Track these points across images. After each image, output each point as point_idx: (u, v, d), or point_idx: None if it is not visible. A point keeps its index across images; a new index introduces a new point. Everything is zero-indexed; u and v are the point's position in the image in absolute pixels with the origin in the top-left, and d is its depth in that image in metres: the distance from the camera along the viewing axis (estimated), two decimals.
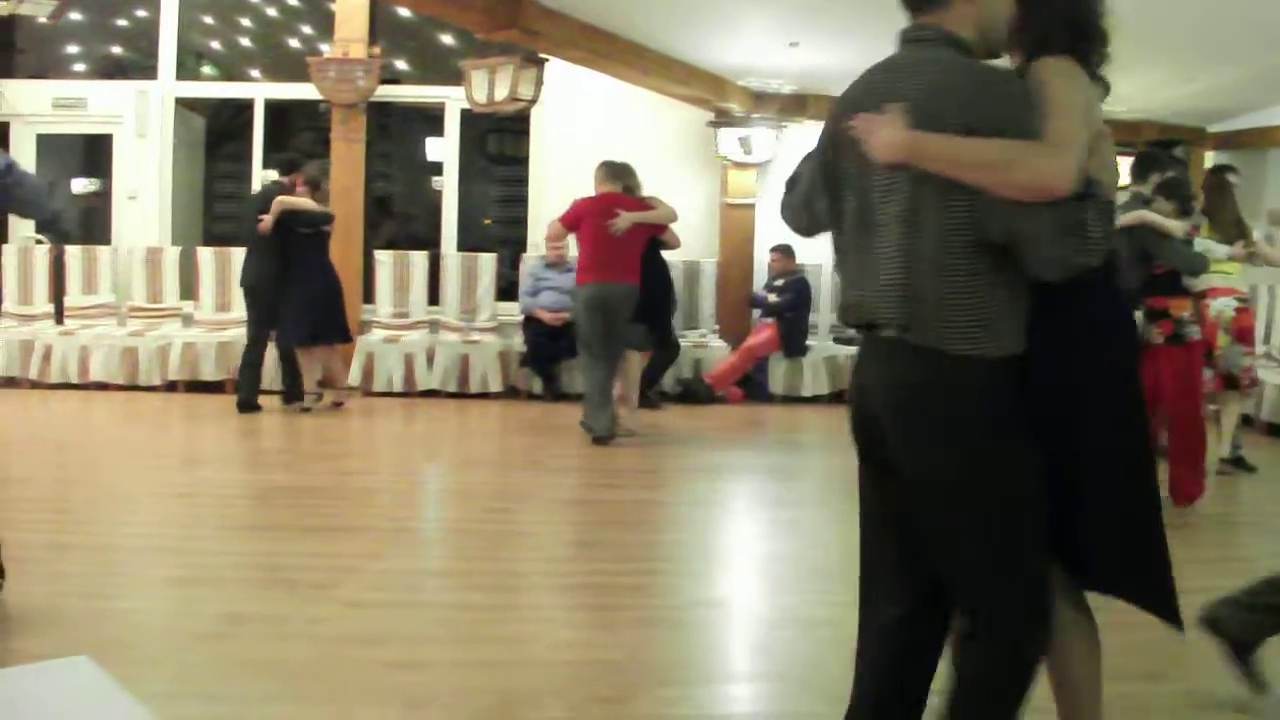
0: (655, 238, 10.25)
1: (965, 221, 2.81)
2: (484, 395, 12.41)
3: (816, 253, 12.97)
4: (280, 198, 10.86)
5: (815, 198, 3.28)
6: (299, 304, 10.93)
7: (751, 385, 12.77)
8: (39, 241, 13.23)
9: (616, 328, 9.66)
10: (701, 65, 12.04)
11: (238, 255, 11.93)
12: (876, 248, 2.94)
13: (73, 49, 14.61)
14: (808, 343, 12.84)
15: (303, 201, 10.96)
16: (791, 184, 3.48)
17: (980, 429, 2.90)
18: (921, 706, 3.18)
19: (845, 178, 3.07)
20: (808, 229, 3.44)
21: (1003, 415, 2.91)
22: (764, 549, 6.87)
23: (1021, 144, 2.76)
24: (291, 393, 11.20)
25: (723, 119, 13.08)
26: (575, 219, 9.88)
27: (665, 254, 11.01)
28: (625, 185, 9.97)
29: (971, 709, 3.02)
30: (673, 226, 10.33)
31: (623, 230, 9.55)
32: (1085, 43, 3.05)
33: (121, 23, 14.69)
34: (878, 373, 3.01)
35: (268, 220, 10.75)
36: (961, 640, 3.05)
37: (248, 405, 10.95)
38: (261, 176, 13.15)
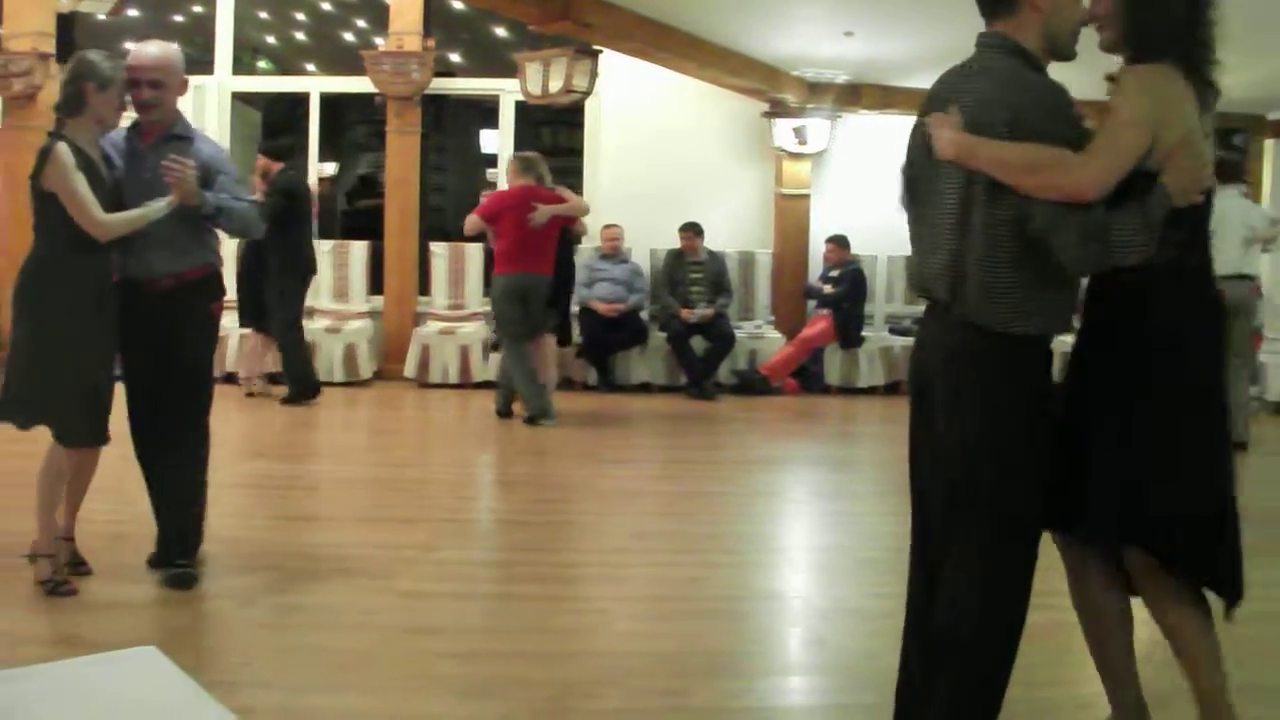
0: (565, 227, 10.46)
1: (1009, 218, 3.14)
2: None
3: (872, 243, 12.95)
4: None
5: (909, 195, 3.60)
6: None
7: (807, 376, 12.71)
8: None
9: (534, 314, 10.02)
10: (756, 56, 11.99)
11: None
12: (935, 230, 3.32)
13: (130, 45, 14.68)
14: (863, 333, 12.77)
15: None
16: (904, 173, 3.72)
17: (1008, 400, 3.26)
18: None
19: (915, 170, 3.45)
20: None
21: (1030, 391, 3.30)
22: (820, 540, 6.87)
23: (1058, 151, 3.07)
24: (304, 378, 11.12)
25: (777, 110, 13.03)
26: (494, 212, 10.19)
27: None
28: (537, 177, 10.11)
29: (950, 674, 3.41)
30: (583, 218, 10.77)
31: (542, 223, 9.82)
32: (1191, 49, 3.23)
33: (178, 18, 14.79)
34: (933, 335, 3.46)
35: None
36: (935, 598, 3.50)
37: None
38: (315, 169, 13.23)
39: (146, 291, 5.28)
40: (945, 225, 3.27)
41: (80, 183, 4.97)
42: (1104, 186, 3.06)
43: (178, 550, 5.39)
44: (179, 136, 5.40)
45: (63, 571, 5.22)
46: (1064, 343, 3.42)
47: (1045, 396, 3.34)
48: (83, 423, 5.19)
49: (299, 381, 10.88)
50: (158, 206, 5.11)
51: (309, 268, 11.00)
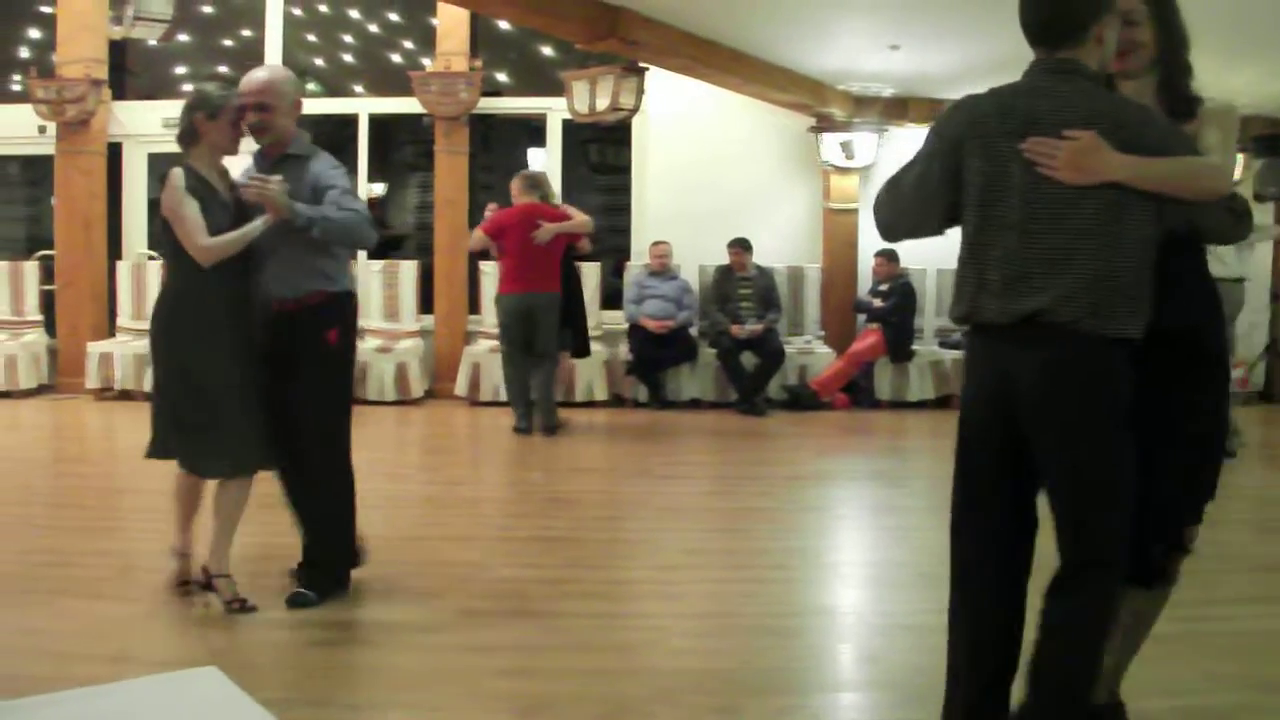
0: (570, 244, 10.49)
1: (1154, 226, 3.32)
2: (590, 403, 12.45)
3: (921, 257, 12.90)
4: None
5: (929, 208, 3.63)
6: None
7: (857, 391, 12.70)
8: (152, 257, 13.48)
9: (542, 333, 10.09)
10: (802, 71, 12.00)
11: None
12: (1056, 255, 3.31)
13: (181, 69, 14.85)
14: (913, 347, 12.74)
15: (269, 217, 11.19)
16: (895, 185, 3.72)
17: (1122, 403, 3.33)
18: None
19: (1000, 190, 3.40)
20: (908, 232, 3.81)
21: (1129, 391, 3.36)
22: (872, 556, 6.85)
23: (1198, 160, 3.35)
24: None
25: (824, 124, 13.03)
26: (498, 228, 10.28)
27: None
28: (542, 195, 10.15)
29: (1064, 657, 3.42)
30: (587, 235, 10.81)
31: (546, 241, 9.85)
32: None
33: (228, 42, 14.91)
34: (1034, 357, 3.33)
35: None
36: (1055, 592, 3.44)
37: None
38: (365, 190, 13.34)
39: (272, 316, 5.41)
40: (1082, 243, 3.29)
41: (189, 206, 5.12)
42: (1233, 177, 3.54)
43: (305, 577, 5.51)
44: (294, 156, 5.48)
45: (232, 591, 5.32)
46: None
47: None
48: (233, 449, 5.29)
49: None
50: (255, 225, 5.22)
51: None
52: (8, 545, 6.55)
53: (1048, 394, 3.33)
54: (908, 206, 3.67)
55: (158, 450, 5.43)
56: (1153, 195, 3.27)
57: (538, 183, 10.33)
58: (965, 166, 3.47)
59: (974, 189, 3.45)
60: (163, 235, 5.29)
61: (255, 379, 5.30)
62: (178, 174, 5.19)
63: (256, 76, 5.42)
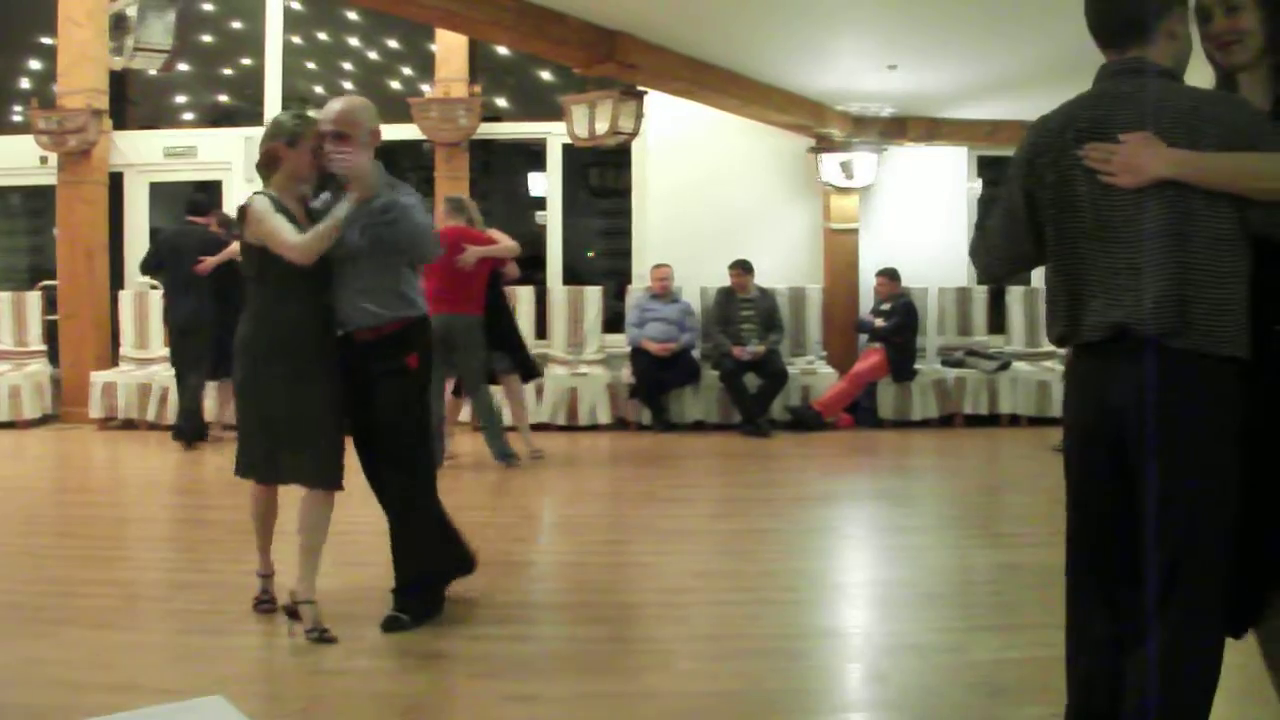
0: (496, 269, 10.40)
1: (1231, 227, 3.12)
2: (593, 427, 12.46)
3: (922, 275, 12.95)
4: (235, 245, 11.23)
5: (1018, 234, 3.51)
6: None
7: (860, 411, 12.70)
8: (153, 286, 13.49)
9: (461, 356, 9.93)
10: (800, 92, 12.04)
11: None
12: (1133, 262, 3.17)
13: (181, 99, 14.90)
14: (916, 366, 12.75)
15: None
16: (982, 226, 3.70)
17: (1229, 426, 3.13)
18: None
19: (1074, 202, 3.30)
20: (1006, 268, 3.71)
21: (1237, 413, 3.15)
22: (879, 576, 6.83)
23: (1270, 156, 3.09)
24: (197, 431, 11.59)
25: (823, 144, 13.07)
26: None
27: None
28: (468, 218, 10.13)
29: (1176, 697, 3.12)
30: (513, 259, 10.65)
31: (471, 264, 9.75)
32: None
33: (227, 72, 14.97)
34: (1129, 375, 3.17)
35: (211, 263, 11.23)
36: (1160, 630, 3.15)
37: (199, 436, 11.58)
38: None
39: (352, 344, 5.48)
40: (1153, 251, 3.13)
41: (276, 218, 5.25)
42: None
43: (398, 600, 5.55)
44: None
45: (314, 619, 5.32)
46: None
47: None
48: (321, 465, 5.36)
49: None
50: (342, 207, 5.28)
51: None
52: (13, 575, 6.55)
53: (1144, 416, 3.16)
54: (997, 241, 3.61)
55: (263, 473, 5.49)
56: (1227, 194, 3.10)
57: (463, 206, 10.30)
58: (1038, 185, 3.39)
59: (1048, 206, 3.37)
60: (249, 263, 5.41)
61: (336, 399, 5.42)
62: (260, 200, 5.28)
63: (333, 107, 5.46)
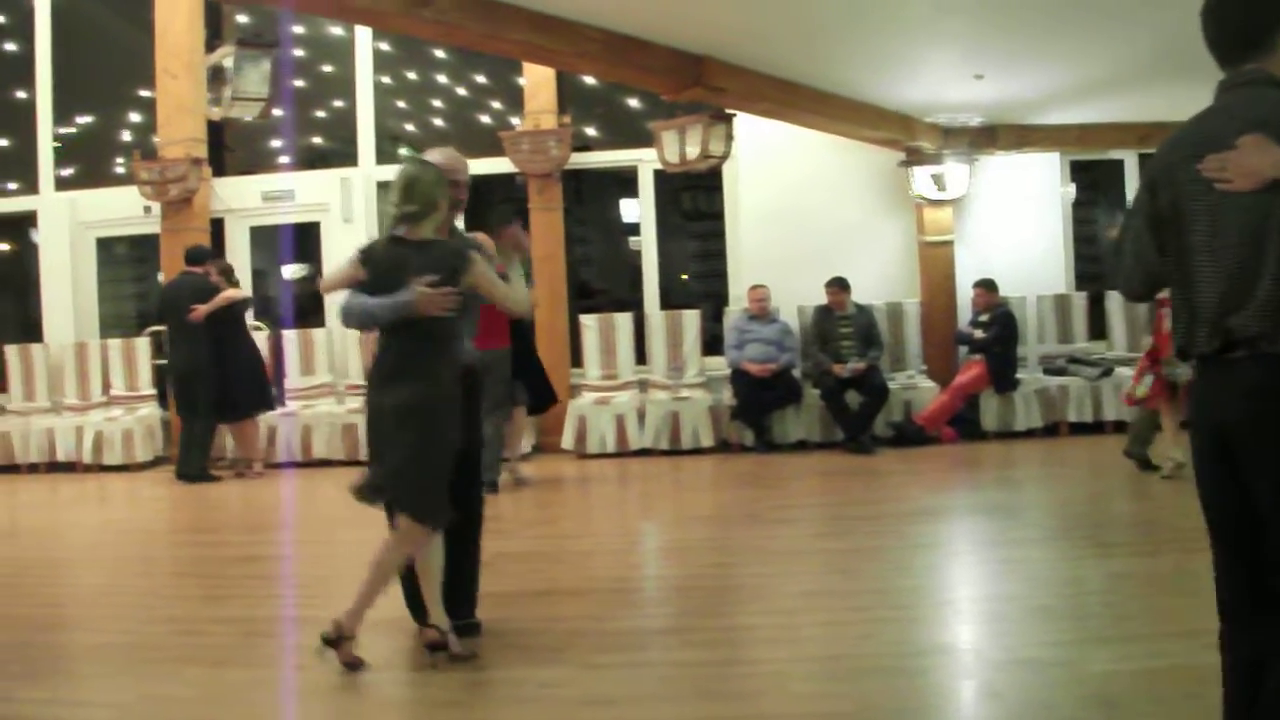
0: None
1: None
2: (696, 451, 12.49)
3: (1020, 284, 12.87)
4: (227, 292, 12.06)
5: (1148, 254, 3.54)
6: (234, 381, 12.02)
7: (963, 423, 12.63)
8: (257, 328, 13.74)
9: (489, 387, 9.89)
10: (888, 106, 12.02)
11: None
12: (1245, 266, 3.20)
13: (276, 143, 15.14)
14: (1017, 376, 12.67)
15: (239, 292, 12.32)
16: (1118, 251, 3.70)
17: None
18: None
19: (1189, 217, 3.35)
20: (1144, 288, 3.70)
21: None
22: (989, 590, 6.79)
23: None
24: (200, 468, 12.03)
25: (914, 157, 13.03)
26: None
27: None
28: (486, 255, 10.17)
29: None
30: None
31: None
32: None
33: (321, 114, 15.20)
34: (1240, 385, 3.22)
35: (203, 310, 11.73)
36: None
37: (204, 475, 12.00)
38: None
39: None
40: (1267, 250, 3.16)
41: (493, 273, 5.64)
42: None
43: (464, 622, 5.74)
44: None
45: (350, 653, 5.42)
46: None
47: None
48: (439, 503, 5.46)
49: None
50: (518, 267, 5.86)
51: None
52: (132, 615, 6.72)
53: (1253, 428, 3.20)
54: (1130, 263, 3.63)
55: (403, 500, 5.50)
56: None
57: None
58: (1161, 204, 3.45)
59: (1170, 223, 3.42)
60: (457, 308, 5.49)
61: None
62: (475, 254, 5.51)
63: (451, 155, 5.85)
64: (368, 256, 5.51)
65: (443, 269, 5.37)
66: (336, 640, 5.35)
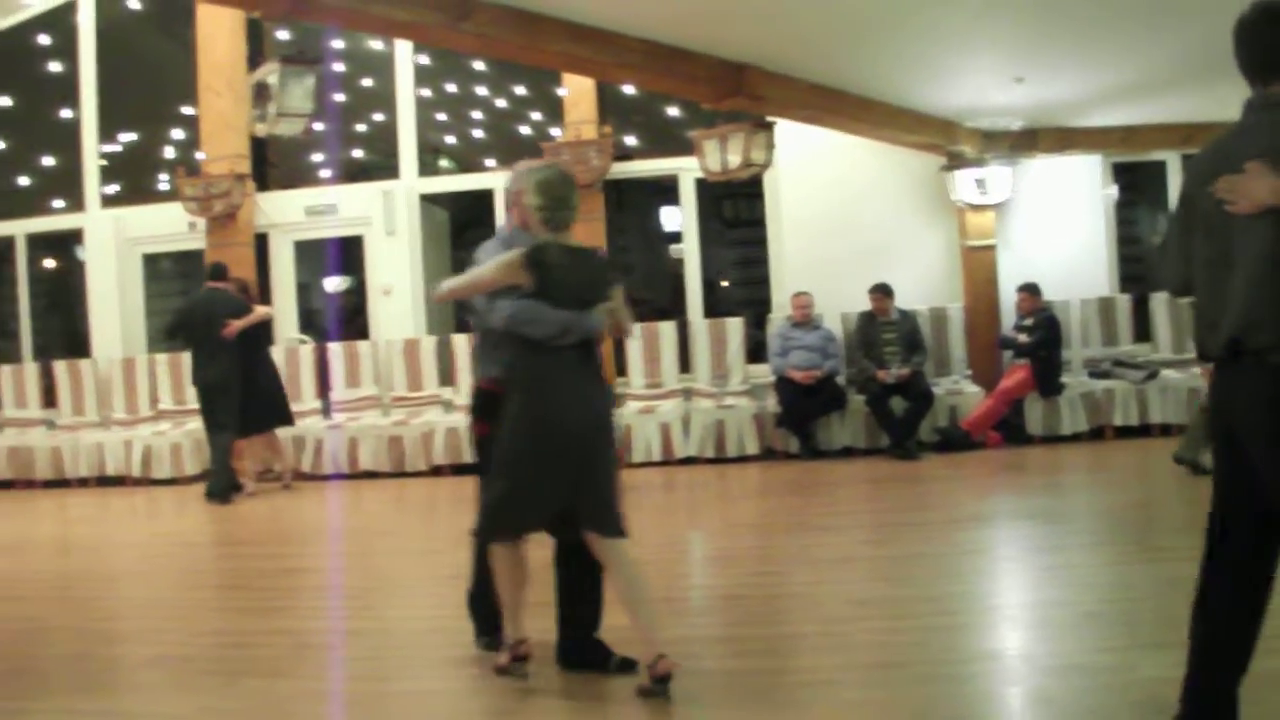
0: None
1: None
2: (741, 458, 12.50)
3: (1064, 287, 12.82)
4: (260, 309, 12.24)
5: (1182, 259, 3.87)
6: (259, 395, 12.08)
7: (1009, 428, 12.58)
8: (303, 341, 13.84)
9: None
10: (929, 111, 12.01)
11: None
12: (1248, 281, 3.49)
13: (318, 157, 15.23)
14: (1062, 380, 12.62)
15: (270, 310, 12.71)
16: (1164, 249, 4.05)
17: None
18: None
19: (1207, 231, 3.66)
20: (1182, 289, 3.95)
21: None
22: (1038, 596, 6.76)
23: None
24: (232, 486, 12.03)
25: (955, 162, 12.99)
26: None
27: None
28: None
29: None
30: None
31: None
32: None
33: (362, 128, 15.28)
34: (1243, 388, 3.60)
35: (238, 325, 11.79)
36: None
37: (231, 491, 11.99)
38: None
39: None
40: (1261, 269, 3.45)
41: None
42: None
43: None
44: None
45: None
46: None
47: None
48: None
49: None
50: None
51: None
52: (185, 627, 6.80)
53: (1253, 428, 3.56)
54: (1170, 263, 3.93)
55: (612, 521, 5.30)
56: None
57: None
58: (1189, 215, 3.74)
59: (1194, 233, 3.71)
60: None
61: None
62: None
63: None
64: (537, 260, 5.12)
65: (607, 282, 5.33)
66: (655, 667, 5.08)
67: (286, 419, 12.58)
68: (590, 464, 5.22)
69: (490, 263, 5.29)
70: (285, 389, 12.68)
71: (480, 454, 5.65)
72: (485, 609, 5.70)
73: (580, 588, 5.54)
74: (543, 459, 5.13)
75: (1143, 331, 13.44)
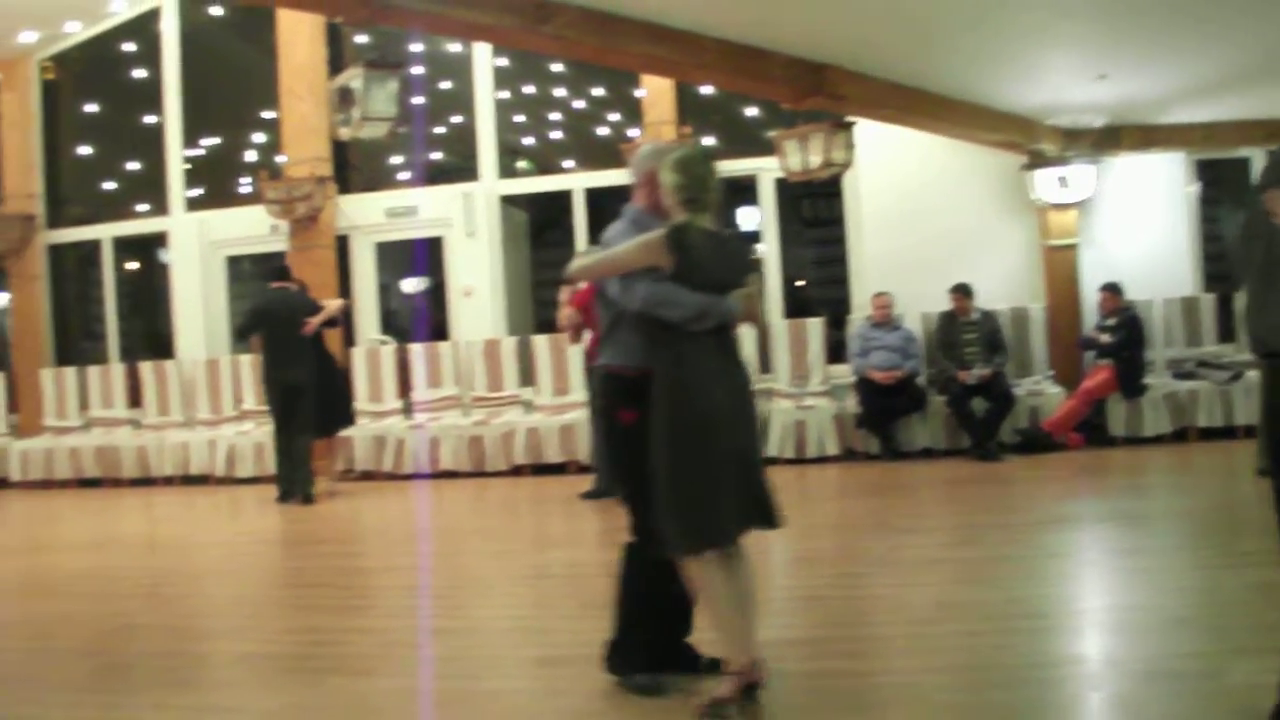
0: None
1: None
2: (822, 459, 12.50)
3: (1147, 286, 12.70)
4: (333, 302, 12.30)
5: (1241, 261, 4.18)
6: (333, 395, 12.14)
7: (1091, 429, 12.47)
8: (383, 342, 13.95)
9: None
10: (1009, 109, 11.94)
11: (564, 341, 12.15)
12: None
13: (398, 160, 15.35)
14: (1145, 381, 12.50)
15: (344, 301, 12.86)
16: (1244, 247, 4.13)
17: None
18: None
19: (1259, 239, 3.83)
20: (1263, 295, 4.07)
21: None
22: (1124, 600, 6.69)
23: None
24: (296, 487, 11.92)
25: (1036, 160, 12.89)
26: (586, 304, 9.65)
27: None
28: None
29: None
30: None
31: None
32: None
33: (441, 130, 15.38)
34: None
35: (315, 323, 11.78)
36: None
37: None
38: None
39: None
40: None
41: None
42: None
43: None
44: None
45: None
46: None
47: None
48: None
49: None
50: None
51: None
52: (272, 625, 6.90)
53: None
54: (1243, 265, 4.03)
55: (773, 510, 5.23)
56: None
57: None
58: (1255, 223, 3.86)
59: (1255, 242, 3.84)
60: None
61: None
62: None
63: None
64: (679, 241, 4.87)
65: (746, 267, 5.17)
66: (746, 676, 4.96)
67: (352, 419, 12.72)
68: (744, 452, 5.06)
69: (629, 243, 5.01)
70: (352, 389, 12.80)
71: (629, 446, 5.09)
72: (632, 644, 5.39)
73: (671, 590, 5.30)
74: (712, 451, 4.89)
75: (1227, 331, 13.25)
